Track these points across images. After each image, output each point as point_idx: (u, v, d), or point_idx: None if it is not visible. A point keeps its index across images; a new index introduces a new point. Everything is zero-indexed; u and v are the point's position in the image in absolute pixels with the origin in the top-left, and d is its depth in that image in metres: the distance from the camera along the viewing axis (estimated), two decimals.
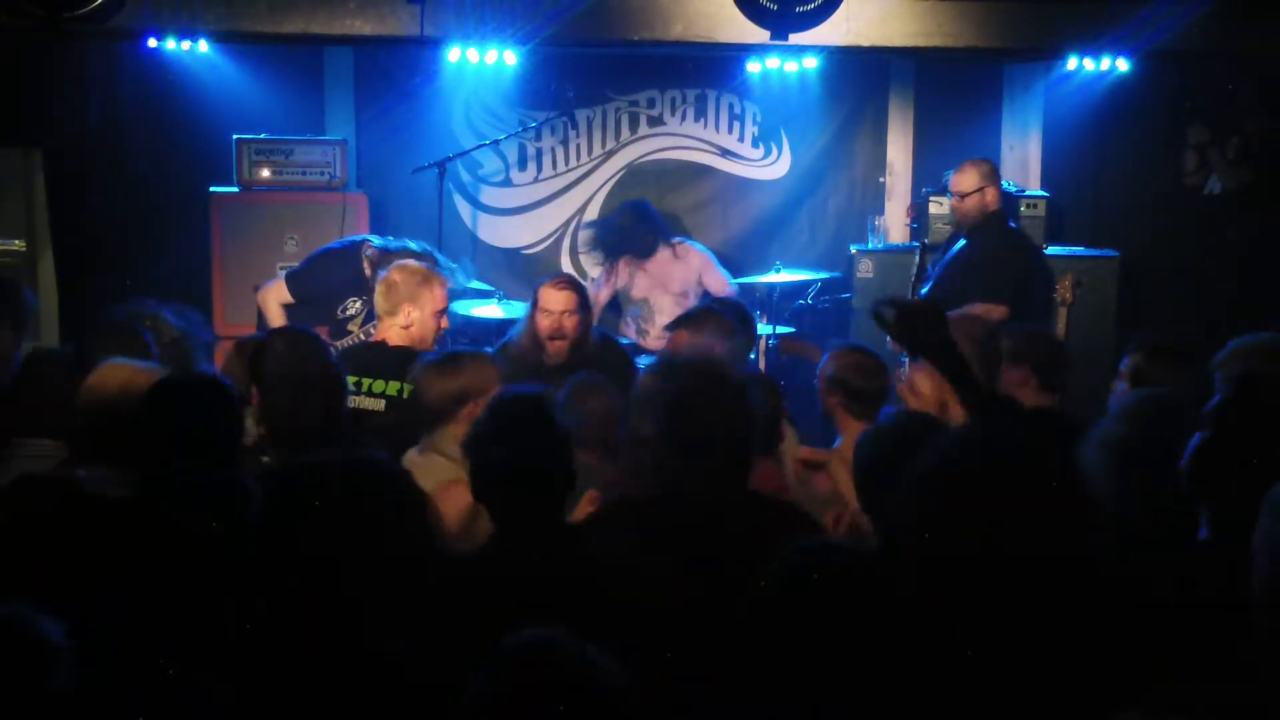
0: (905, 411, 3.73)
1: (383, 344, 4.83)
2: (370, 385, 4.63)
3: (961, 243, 6.11)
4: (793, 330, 6.99)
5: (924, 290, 6.04)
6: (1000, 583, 2.09)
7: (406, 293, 4.87)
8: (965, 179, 6.01)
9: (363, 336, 5.95)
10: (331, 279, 6.05)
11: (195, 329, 4.61)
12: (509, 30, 6.35)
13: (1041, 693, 2.06)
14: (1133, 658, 2.19)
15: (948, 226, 6.59)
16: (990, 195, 6.00)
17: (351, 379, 4.34)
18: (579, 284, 5.36)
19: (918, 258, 6.07)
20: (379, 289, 4.95)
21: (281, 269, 6.52)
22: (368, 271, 5.82)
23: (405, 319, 4.84)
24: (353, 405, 4.38)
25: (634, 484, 3.05)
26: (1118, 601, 2.24)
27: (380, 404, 4.63)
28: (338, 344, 6.00)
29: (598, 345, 5.29)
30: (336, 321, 6.06)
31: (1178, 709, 1.92)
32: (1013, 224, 6.42)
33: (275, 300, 6.11)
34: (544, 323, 5.13)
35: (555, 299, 5.14)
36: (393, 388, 4.62)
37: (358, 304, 6.10)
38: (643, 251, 6.96)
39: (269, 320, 6.16)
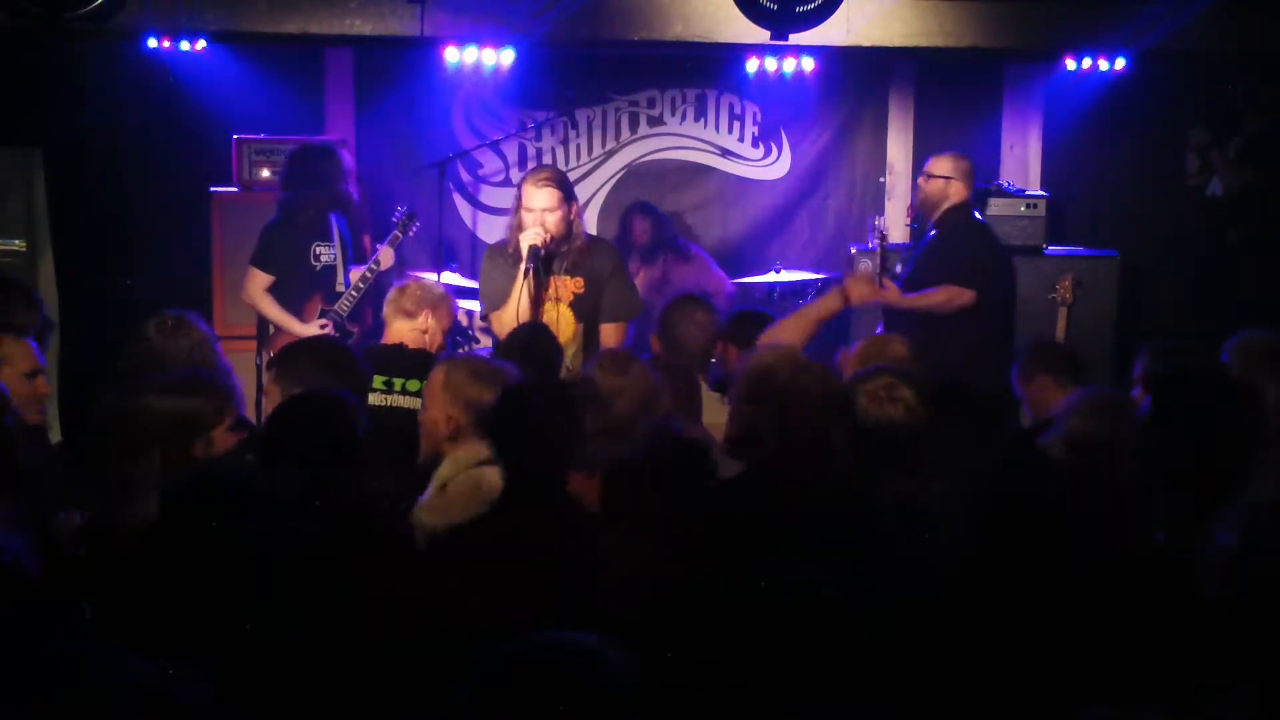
0: None
1: (401, 346, 4.82)
2: (404, 384, 4.64)
3: (931, 233, 6.12)
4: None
5: (899, 281, 6.06)
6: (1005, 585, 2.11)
7: (429, 300, 4.89)
8: (940, 163, 6.05)
9: (354, 294, 6.05)
10: (288, 240, 6.14)
11: None
12: (508, 30, 6.35)
13: (1015, 688, 2.08)
14: (1101, 655, 2.20)
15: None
16: (955, 189, 6.01)
17: (381, 379, 4.44)
18: (562, 178, 5.28)
19: (879, 257, 6.07)
20: (394, 293, 4.97)
21: None
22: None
23: (423, 324, 4.85)
24: (386, 404, 4.47)
25: None
26: (1087, 600, 2.26)
27: (417, 402, 4.65)
28: (337, 308, 6.11)
29: (588, 244, 5.27)
30: (317, 275, 6.15)
31: (1147, 705, 1.93)
32: (975, 215, 6.40)
33: (258, 289, 6.17)
34: (526, 220, 5.10)
35: (540, 196, 5.10)
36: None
37: (327, 250, 6.21)
38: (655, 253, 6.98)
39: (263, 312, 6.20)
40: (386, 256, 6.23)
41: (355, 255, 6.43)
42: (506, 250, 5.22)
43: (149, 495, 3.05)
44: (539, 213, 5.09)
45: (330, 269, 6.24)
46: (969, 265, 5.82)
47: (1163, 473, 2.72)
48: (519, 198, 5.20)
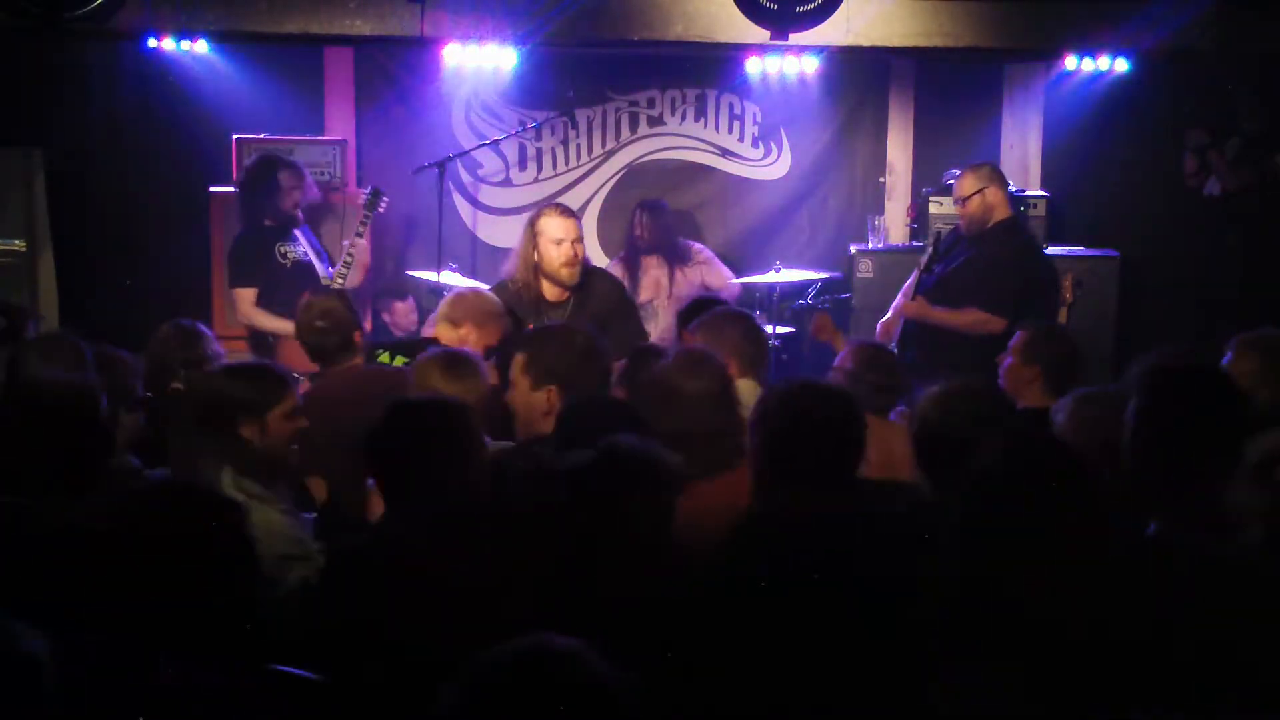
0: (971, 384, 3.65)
1: (436, 340, 4.76)
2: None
3: (974, 248, 6.06)
4: (826, 309, 6.94)
5: (933, 280, 6.03)
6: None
7: (476, 315, 4.81)
8: (964, 183, 5.96)
9: (340, 281, 6.20)
10: (251, 248, 6.27)
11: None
12: (509, 30, 6.35)
13: (1056, 690, 2.07)
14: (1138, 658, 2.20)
15: (948, 227, 6.55)
16: (993, 196, 5.92)
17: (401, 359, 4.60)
18: (573, 210, 5.53)
19: (929, 250, 6.05)
20: (449, 298, 4.94)
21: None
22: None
23: (464, 335, 4.75)
24: None
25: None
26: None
27: None
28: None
29: (587, 275, 5.42)
30: (291, 272, 6.26)
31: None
32: (1023, 232, 6.32)
33: (248, 305, 6.28)
34: (555, 251, 5.22)
35: (566, 227, 5.25)
36: None
37: (292, 249, 6.33)
38: (666, 252, 7.00)
39: (261, 326, 6.22)
40: (360, 246, 6.36)
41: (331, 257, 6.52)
42: (508, 288, 5.32)
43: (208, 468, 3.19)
44: (569, 243, 5.23)
45: (302, 265, 6.31)
46: (1007, 297, 5.75)
47: (1152, 464, 2.73)
48: (535, 234, 5.29)
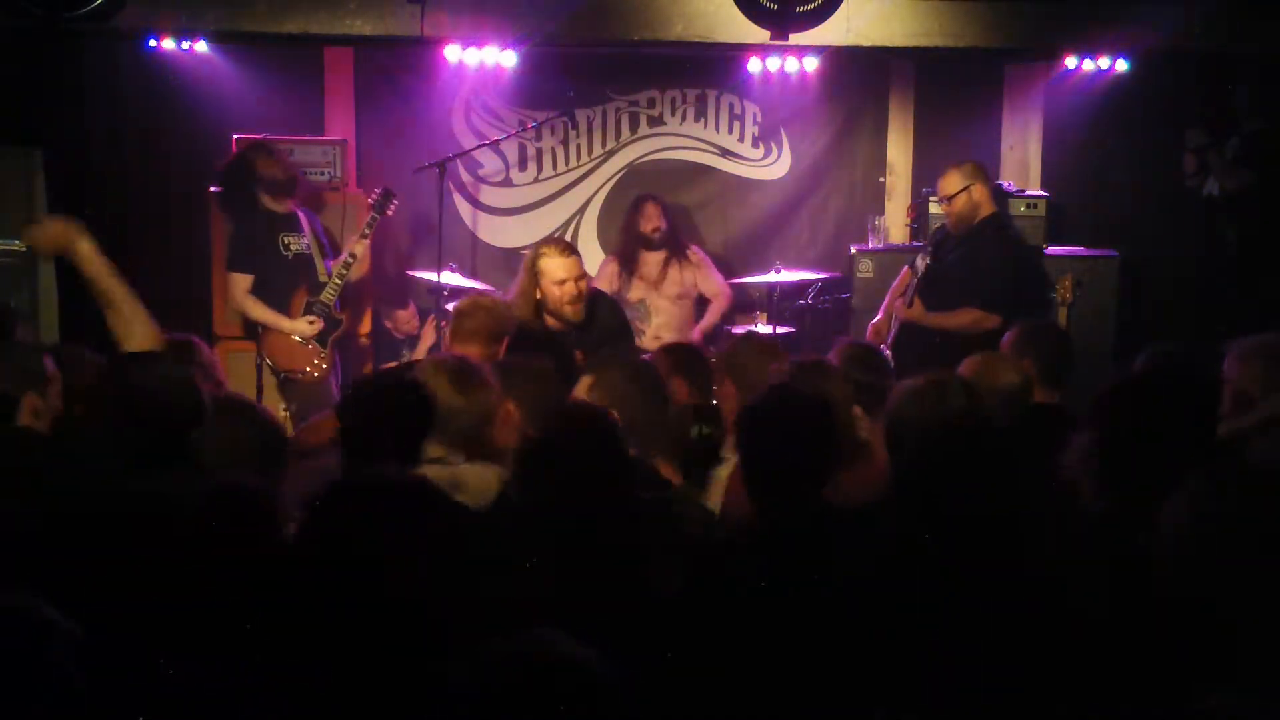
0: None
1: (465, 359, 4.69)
2: None
3: (963, 246, 6.07)
4: (792, 330, 6.99)
5: (923, 279, 6.03)
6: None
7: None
8: (948, 182, 5.99)
9: (337, 282, 6.29)
10: (254, 234, 6.26)
11: None
12: (509, 30, 6.35)
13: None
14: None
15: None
16: (978, 193, 5.95)
17: None
18: (574, 245, 5.55)
19: (927, 252, 6.05)
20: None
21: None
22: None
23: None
24: None
25: None
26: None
27: None
28: (322, 299, 6.29)
29: (590, 301, 5.42)
30: (291, 264, 6.28)
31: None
32: (1009, 227, 6.35)
33: (241, 293, 6.27)
34: (559, 291, 5.23)
35: (569, 266, 5.25)
36: None
37: (296, 239, 6.33)
38: (673, 248, 7.00)
39: (252, 315, 6.24)
40: (362, 246, 6.38)
41: (334, 247, 6.53)
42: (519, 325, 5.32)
43: None
44: (574, 281, 5.24)
45: (304, 257, 6.31)
46: (1000, 294, 5.77)
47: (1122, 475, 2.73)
48: (536, 274, 5.29)
